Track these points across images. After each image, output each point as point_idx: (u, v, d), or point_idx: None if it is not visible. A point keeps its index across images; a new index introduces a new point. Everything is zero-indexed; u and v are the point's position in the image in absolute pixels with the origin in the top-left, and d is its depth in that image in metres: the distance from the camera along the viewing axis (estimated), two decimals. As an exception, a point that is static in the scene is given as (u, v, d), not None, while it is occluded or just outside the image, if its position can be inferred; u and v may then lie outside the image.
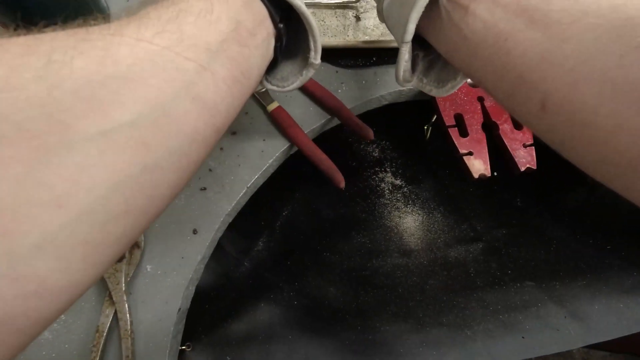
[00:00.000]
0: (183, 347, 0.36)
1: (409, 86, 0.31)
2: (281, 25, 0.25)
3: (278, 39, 0.25)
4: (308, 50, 0.27)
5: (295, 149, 0.41)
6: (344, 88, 0.41)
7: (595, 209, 0.60)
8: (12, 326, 0.13)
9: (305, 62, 0.28)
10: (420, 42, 0.28)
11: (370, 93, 0.42)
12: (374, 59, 0.42)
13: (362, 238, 0.61)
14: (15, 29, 0.16)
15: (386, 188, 0.71)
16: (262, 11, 0.24)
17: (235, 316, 0.42)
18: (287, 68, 0.29)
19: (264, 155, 0.38)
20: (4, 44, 0.15)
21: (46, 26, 0.16)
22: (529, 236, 0.59)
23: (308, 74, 0.28)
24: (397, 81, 0.30)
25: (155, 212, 0.18)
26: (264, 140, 0.39)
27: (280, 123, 0.39)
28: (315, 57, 0.27)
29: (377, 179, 0.72)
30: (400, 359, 0.42)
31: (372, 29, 0.43)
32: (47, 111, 0.14)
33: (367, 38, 0.42)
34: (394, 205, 0.68)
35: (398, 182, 0.71)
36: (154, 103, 0.16)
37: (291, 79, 0.28)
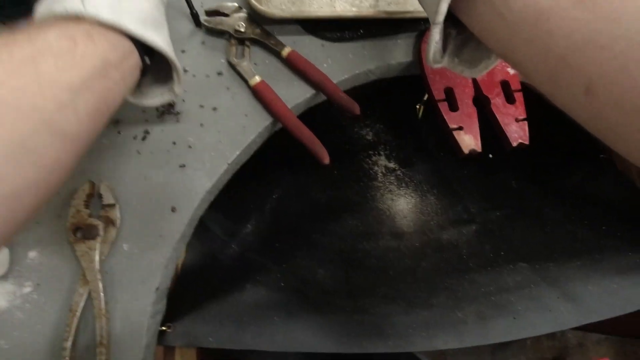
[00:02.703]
0: (163, 328, 0.36)
1: (439, 66, 0.31)
2: (147, 58, 0.27)
3: (143, 70, 0.27)
4: (172, 80, 0.30)
5: (279, 125, 0.39)
6: (329, 62, 0.40)
7: (591, 189, 0.59)
8: None
9: (170, 88, 0.31)
10: (452, 19, 0.27)
11: (358, 67, 0.40)
12: (361, 31, 0.40)
13: (354, 220, 0.60)
14: None
15: (379, 171, 0.69)
16: (129, 46, 0.25)
17: (219, 298, 0.41)
18: (154, 89, 0.31)
19: (246, 131, 0.37)
20: None
21: None
22: (523, 218, 0.58)
23: (169, 96, 0.31)
24: (427, 62, 0.30)
25: (9, 234, 0.19)
26: (245, 115, 0.38)
27: (262, 98, 0.37)
28: (178, 88, 0.31)
29: (370, 161, 0.71)
30: (389, 340, 0.41)
31: (360, -1, 0.41)
32: None
33: (355, 10, 0.41)
34: (387, 187, 0.66)
35: (392, 164, 0.70)
36: (9, 140, 0.17)
37: (150, 95, 0.31)
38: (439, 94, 0.38)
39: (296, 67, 0.38)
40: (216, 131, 0.37)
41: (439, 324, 0.43)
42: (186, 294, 0.42)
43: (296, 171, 0.67)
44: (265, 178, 0.65)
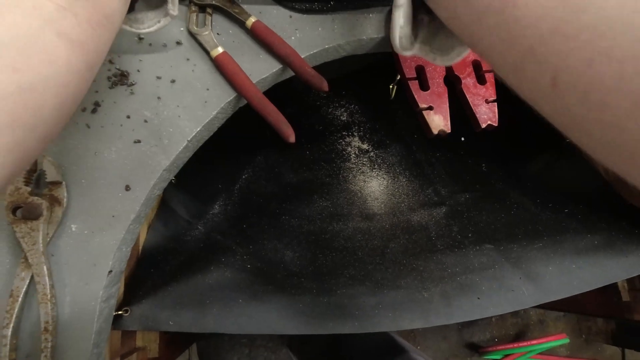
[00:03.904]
0: (120, 312, 0.34)
1: (409, 54, 0.29)
2: None
3: None
4: (166, 3, 0.30)
5: (244, 101, 0.37)
6: (297, 35, 0.38)
7: (556, 174, 0.60)
8: None
9: (165, 12, 0.30)
10: (425, 5, 0.26)
11: (327, 42, 0.38)
12: (332, 3, 0.38)
13: (324, 202, 0.59)
14: None
15: (352, 152, 0.69)
16: None
17: (182, 280, 0.40)
18: (148, 16, 0.31)
19: (208, 106, 0.35)
20: None
21: None
22: (491, 200, 0.59)
23: (165, 21, 0.31)
24: (395, 49, 0.28)
25: (43, 132, 0.20)
26: (207, 89, 0.35)
27: (225, 70, 0.35)
28: (173, 8, 0.30)
29: (343, 143, 0.70)
30: (355, 320, 0.41)
31: (331, -31, 0.39)
32: None
33: (325, -20, 0.38)
34: (360, 169, 0.66)
35: (365, 146, 0.69)
36: (15, 34, 0.18)
37: (147, 22, 0.31)
38: (409, 72, 0.37)
39: (262, 39, 0.36)
40: (175, 105, 0.34)
41: (406, 305, 0.43)
42: (147, 276, 0.40)
43: (267, 151, 0.65)
44: (235, 158, 0.63)
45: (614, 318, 0.72)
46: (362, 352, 0.57)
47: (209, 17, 0.36)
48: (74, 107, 0.23)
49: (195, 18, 0.35)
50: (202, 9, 0.36)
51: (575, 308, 0.80)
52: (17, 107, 0.18)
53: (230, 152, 0.62)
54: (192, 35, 0.35)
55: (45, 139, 0.21)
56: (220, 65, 0.35)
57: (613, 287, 0.66)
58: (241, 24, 0.36)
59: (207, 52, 0.35)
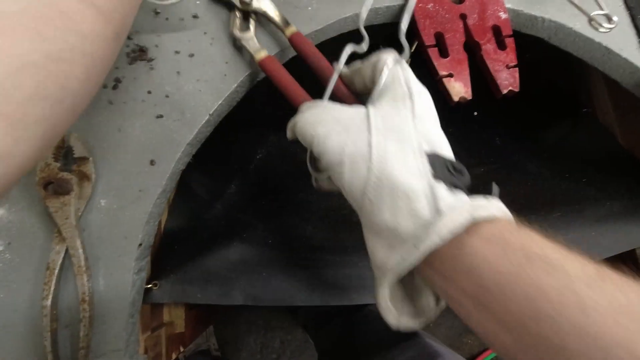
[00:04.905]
0: (149, 286, 0.35)
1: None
2: None
3: None
4: None
5: (262, 75, 0.37)
6: (314, 5, 0.37)
7: (573, 143, 0.60)
8: None
9: None
10: None
11: (344, 11, 0.38)
12: (348, -29, 0.38)
13: (339, 179, 0.59)
14: None
15: (365, 130, 0.68)
16: None
17: (206, 255, 0.40)
18: None
19: (227, 79, 0.35)
20: None
21: None
22: (507, 173, 0.59)
23: None
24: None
25: (71, 104, 0.20)
26: (226, 62, 0.35)
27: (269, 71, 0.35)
28: None
29: (355, 121, 0.69)
30: (378, 291, 0.41)
31: (345, -64, 0.38)
32: None
33: (339, -53, 0.38)
34: (373, 146, 0.66)
35: (377, 124, 0.69)
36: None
37: None
38: (429, 39, 0.37)
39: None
40: (195, 79, 0.34)
41: (426, 275, 0.43)
42: (171, 253, 0.41)
43: (280, 131, 0.65)
44: (249, 139, 0.63)
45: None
46: (376, 338, 0.57)
47: (224, -11, 0.35)
48: (101, 78, 0.23)
49: None
50: (218, -20, 0.35)
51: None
52: (44, 77, 0.17)
53: (242, 134, 0.62)
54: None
55: (74, 111, 0.21)
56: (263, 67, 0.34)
57: (631, 256, 0.66)
58: (257, -5, 0.36)
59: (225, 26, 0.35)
